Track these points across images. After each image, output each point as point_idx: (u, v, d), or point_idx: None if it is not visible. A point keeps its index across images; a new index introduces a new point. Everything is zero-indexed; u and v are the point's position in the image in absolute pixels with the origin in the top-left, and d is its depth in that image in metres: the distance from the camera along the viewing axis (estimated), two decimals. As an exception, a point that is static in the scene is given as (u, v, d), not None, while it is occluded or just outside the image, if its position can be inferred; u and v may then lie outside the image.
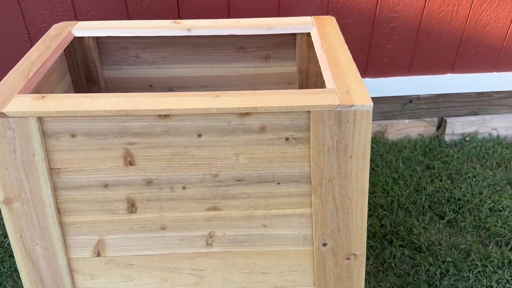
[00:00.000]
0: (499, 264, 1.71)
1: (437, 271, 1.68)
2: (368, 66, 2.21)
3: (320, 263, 1.27)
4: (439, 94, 2.34)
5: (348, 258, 1.26)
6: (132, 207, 1.16)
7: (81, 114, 1.02)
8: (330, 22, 1.44)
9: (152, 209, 1.17)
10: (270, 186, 1.15)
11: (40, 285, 1.24)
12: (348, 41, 2.10)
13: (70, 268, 1.23)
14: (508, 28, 2.16)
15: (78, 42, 1.48)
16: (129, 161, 1.09)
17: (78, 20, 1.63)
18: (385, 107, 2.37)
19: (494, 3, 2.08)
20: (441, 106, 2.40)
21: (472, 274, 1.67)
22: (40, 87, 1.27)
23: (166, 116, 1.03)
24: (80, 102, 1.04)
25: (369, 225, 1.87)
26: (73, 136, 1.06)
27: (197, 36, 1.48)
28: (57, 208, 1.14)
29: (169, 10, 1.94)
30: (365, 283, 1.64)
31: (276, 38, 1.50)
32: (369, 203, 1.98)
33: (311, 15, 1.97)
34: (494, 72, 2.30)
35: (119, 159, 1.09)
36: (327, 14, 2.04)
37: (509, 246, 1.77)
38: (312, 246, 1.24)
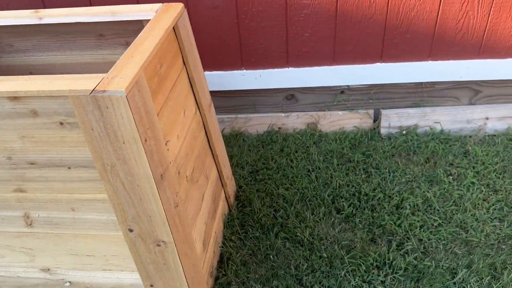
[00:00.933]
0: (377, 264, 1.62)
1: (309, 266, 1.62)
2: (289, 55, 2.14)
3: (133, 249, 1.28)
4: (371, 84, 2.22)
5: (158, 245, 1.26)
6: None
7: None
8: (174, 9, 1.43)
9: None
10: (62, 170, 1.18)
11: None
12: (264, 29, 2.06)
13: None
14: (438, 13, 2.00)
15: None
16: None
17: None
18: (316, 98, 2.29)
19: (418, -13, 1.94)
20: (376, 98, 2.27)
21: (344, 272, 1.59)
22: None
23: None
24: None
25: (262, 216, 1.83)
26: None
27: (57, 24, 1.54)
28: None
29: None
30: (235, 272, 1.63)
31: (134, 25, 1.51)
32: (272, 194, 1.94)
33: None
34: (429, 61, 2.14)
35: None
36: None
37: (396, 246, 1.67)
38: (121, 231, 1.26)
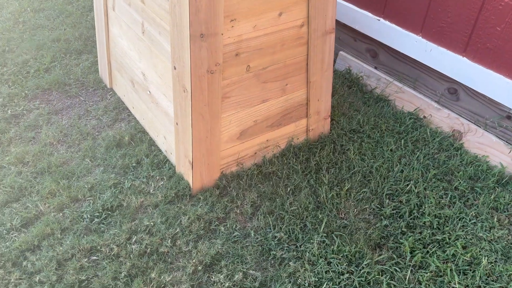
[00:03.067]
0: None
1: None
2: (471, 43, 1.81)
3: (174, 85, 1.59)
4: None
5: (184, 91, 1.52)
6: None
7: None
8: None
9: None
10: (159, -3, 1.53)
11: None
12: (457, 2, 1.79)
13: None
14: None
15: None
16: None
17: None
18: (479, 107, 1.90)
19: None
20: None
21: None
22: None
23: None
24: None
25: (317, 167, 1.82)
26: None
27: None
28: None
29: None
30: (239, 183, 1.75)
31: None
32: (346, 160, 1.87)
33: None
34: None
35: None
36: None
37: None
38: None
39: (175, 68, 1.54)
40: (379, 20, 2.13)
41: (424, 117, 2.09)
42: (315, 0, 1.60)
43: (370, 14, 2.17)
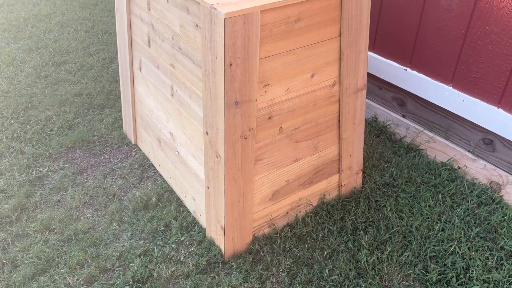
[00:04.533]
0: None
1: None
2: (506, 95, 1.75)
3: (206, 149, 1.55)
4: None
5: (217, 157, 1.48)
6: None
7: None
8: (355, -18, 1.44)
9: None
10: (190, 63, 1.51)
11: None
12: (491, 53, 1.75)
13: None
14: None
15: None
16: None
17: None
18: None
19: None
20: None
21: None
22: None
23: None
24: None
25: (353, 227, 1.75)
26: None
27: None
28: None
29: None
30: (272, 248, 1.68)
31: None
32: (384, 218, 1.79)
33: None
34: None
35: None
36: None
37: None
38: (206, 132, 1.53)
39: (207, 133, 1.51)
40: (406, 70, 2.10)
41: (459, 167, 2.02)
42: (347, 60, 1.57)
43: (395, 64, 2.14)
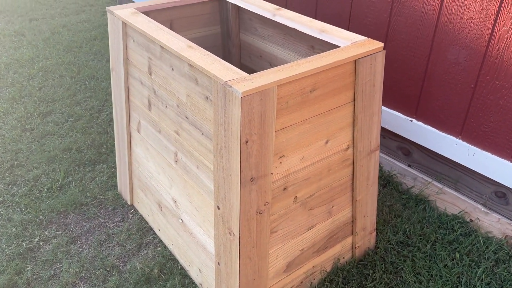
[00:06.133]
0: None
1: None
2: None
3: (217, 224, 1.44)
4: None
5: (230, 234, 1.38)
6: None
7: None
8: (368, 46, 1.39)
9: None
10: (198, 133, 1.42)
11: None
12: (502, 108, 1.72)
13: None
14: None
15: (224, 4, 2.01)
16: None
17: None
18: None
19: None
20: None
21: None
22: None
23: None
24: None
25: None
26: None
27: (284, 25, 1.74)
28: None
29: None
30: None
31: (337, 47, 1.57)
32: (399, 278, 1.71)
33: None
34: None
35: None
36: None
37: None
38: (216, 205, 1.43)
39: (218, 208, 1.41)
40: (411, 121, 2.05)
41: (471, 220, 1.97)
42: (361, 124, 1.51)
43: (400, 115, 2.10)
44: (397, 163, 2.23)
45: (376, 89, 1.49)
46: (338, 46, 1.54)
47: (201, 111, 1.38)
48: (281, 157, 1.36)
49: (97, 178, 2.30)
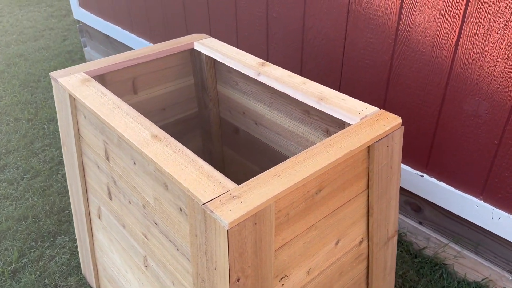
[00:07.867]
0: None
1: None
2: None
3: None
4: None
5: None
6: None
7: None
8: (385, 124, 1.10)
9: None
10: (172, 247, 1.10)
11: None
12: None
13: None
14: None
15: (197, 54, 1.69)
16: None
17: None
18: None
19: None
20: None
21: None
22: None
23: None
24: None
25: None
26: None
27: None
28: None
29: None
30: None
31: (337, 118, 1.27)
32: None
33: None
34: None
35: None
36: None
37: None
38: None
39: None
40: (422, 176, 1.77)
41: (497, 290, 1.70)
42: (376, 214, 1.22)
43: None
44: (406, 219, 1.95)
45: (394, 171, 1.19)
46: (340, 120, 1.24)
47: (174, 223, 1.06)
48: (282, 278, 1.05)
49: (57, 258, 1.95)
